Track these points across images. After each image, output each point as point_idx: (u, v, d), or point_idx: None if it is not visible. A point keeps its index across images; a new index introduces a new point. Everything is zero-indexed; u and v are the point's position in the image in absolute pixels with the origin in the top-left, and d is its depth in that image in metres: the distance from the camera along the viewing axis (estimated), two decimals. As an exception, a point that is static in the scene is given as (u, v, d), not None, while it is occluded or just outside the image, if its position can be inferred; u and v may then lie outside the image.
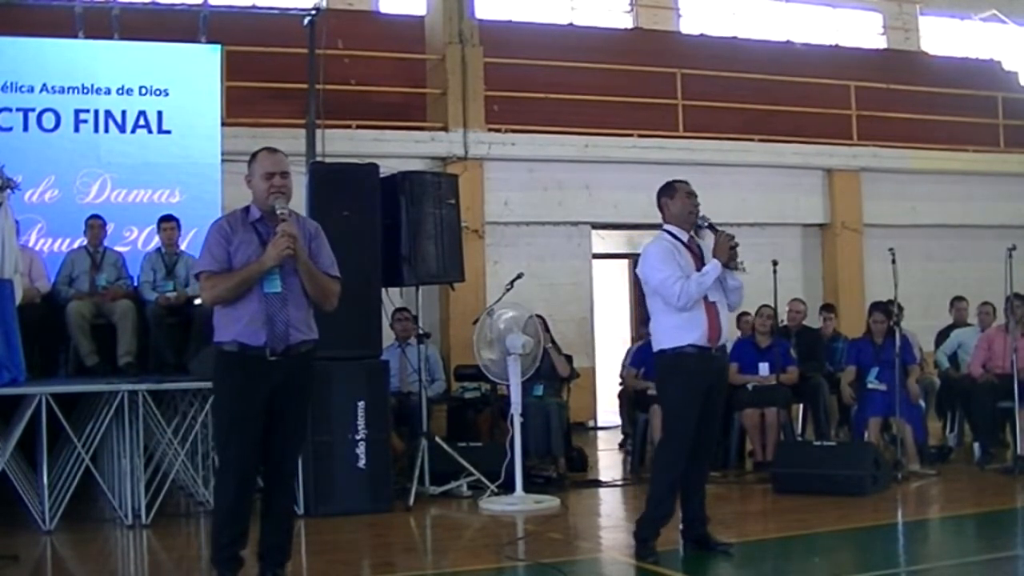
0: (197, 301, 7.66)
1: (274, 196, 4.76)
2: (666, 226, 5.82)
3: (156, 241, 8.92)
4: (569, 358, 9.43)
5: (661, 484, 5.73)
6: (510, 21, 14.98)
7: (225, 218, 4.95)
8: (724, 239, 5.67)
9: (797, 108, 13.79)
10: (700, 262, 5.73)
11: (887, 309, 8.81)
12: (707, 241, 5.88)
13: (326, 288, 4.91)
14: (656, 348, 5.79)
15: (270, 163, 4.82)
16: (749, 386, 8.99)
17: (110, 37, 9.97)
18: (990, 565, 5.63)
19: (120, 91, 9.85)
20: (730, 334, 9.98)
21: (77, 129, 9.74)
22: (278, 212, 4.72)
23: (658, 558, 5.54)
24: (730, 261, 5.67)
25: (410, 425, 8.34)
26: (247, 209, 4.90)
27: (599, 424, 12.50)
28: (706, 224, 5.77)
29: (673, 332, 5.65)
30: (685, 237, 5.79)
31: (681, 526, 5.82)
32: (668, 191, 5.84)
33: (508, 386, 7.79)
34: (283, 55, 11.16)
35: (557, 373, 8.96)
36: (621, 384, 9.95)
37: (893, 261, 8.29)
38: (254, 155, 4.92)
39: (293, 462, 5.11)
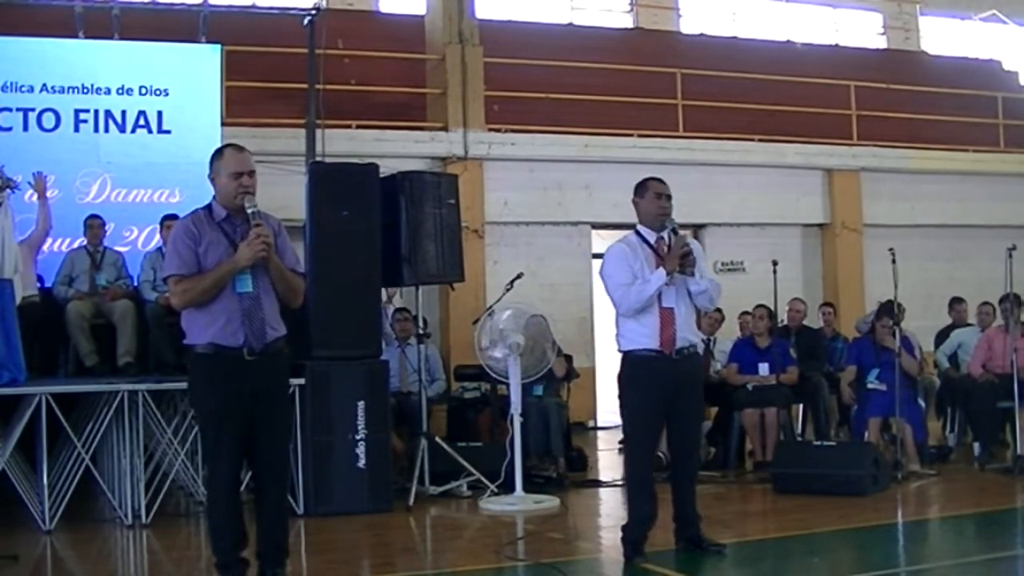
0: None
1: (242, 196, 4.73)
2: (638, 226, 5.77)
3: (156, 240, 8.92)
4: (569, 358, 9.42)
5: (632, 486, 5.82)
6: (510, 21, 14.98)
7: (190, 219, 4.87)
8: (675, 246, 5.57)
9: (797, 108, 13.78)
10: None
11: (893, 311, 8.76)
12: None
13: (294, 286, 4.89)
14: (618, 348, 5.80)
15: (237, 162, 4.78)
16: (749, 386, 9.00)
17: (110, 37, 9.98)
18: (990, 565, 5.63)
19: (120, 91, 9.84)
20: (729, 334, 10.12)
21: (77, 129, 9.73)
22: (248, 211, 4.70)
23: (646, 557, 5.55)
24: (684, 268, 5.55)
25: (410, 425, 8.34)
26: (210, 208, 4.85)
27: (599, 424, 12.50)
28: (670, 228, 5.66)
29: (629, 335, 5.66)
30: (653, 239, 5.70)
31: (674, 526, 5.80)
32: (639, 190, 5.77)
33: (508, 386, 7.79)
34: (283, 55, 11.16)
35: (555, 373, 8.96)
36: (621, 384, 9.93)
37: (893, 261, 8.29)
38: (219, 152, 4.88)
39: (284, 459, 5.10)
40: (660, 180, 5.79)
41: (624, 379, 5.73)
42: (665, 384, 5.59)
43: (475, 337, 7.92)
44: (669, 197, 5.72)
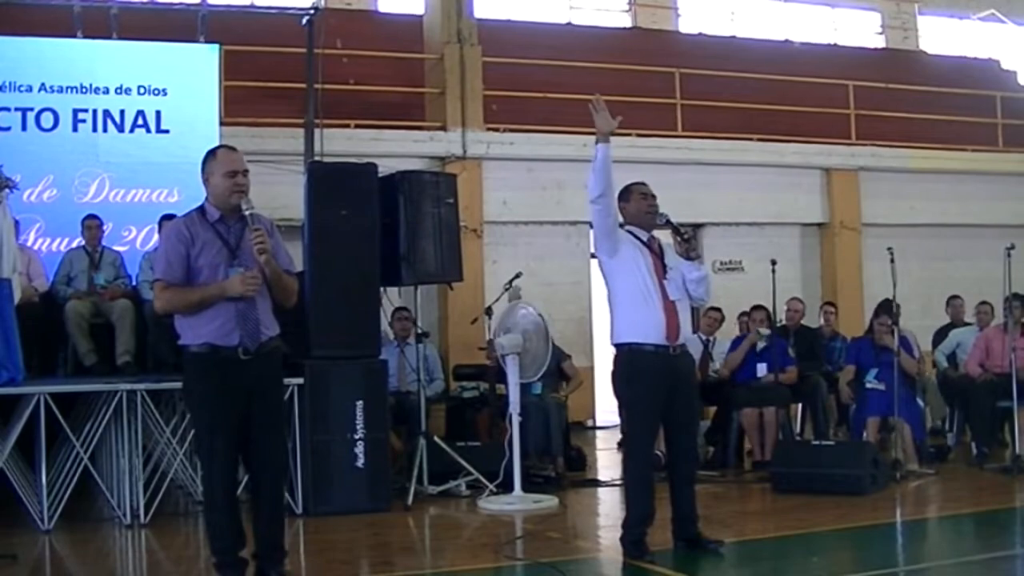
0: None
1: (237, 195, 4.76)
2: (627, 226, 5.89)
3: (155, 240, 8.91)
4: (568, 357, 9.43)
5: (631, 484, 5.81)
6: (509, 20, 14.98)
7: (183, 221, 4.88)
8: (680, 236, 5.75)
9: (796, 107, 13.78)
10: (660, 261, 5.73)
11: (891, 310, 8.75)
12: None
13: (289, 289, 4.94)
14: (614, 341, 5.76)
15: (231, 161, 4.81)
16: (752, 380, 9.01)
17: (108, 37, 9.96)
18: (989, 565, 5.63)
19: (119, 91, 9.82)
20: (728, 334, 10.12)
21: (75, 129, 9.71)
22: (245, 212, 4.73)
23: (653, 557, 5.54)
24: (689, 253, 5.73)
25: (409, 424, 8.34)
26: (202, 209, 4.87)
27: (598, 423, 12.50)
28: (663, 221, 5.80)
29: (631, 328, 5.63)
30: (645, 237, 5.82)
31: (672, 525, 5.80)
32: (624, 195, 5.93)
33: (507, 385, 7.79)
34: (282, 55, 11.15)
35: (563, 372, 9.02)
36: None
37: (892, 260, 8.29)
38: (212, 153, 4.90)
39: (280, 458, 5.09)
40: (642, 183, 5.95)
41: (624, 374, 5.70)
42: (665, 380, 5.60)
43: (492, 328, 7.88)
44: (654, 196, 5.88)
